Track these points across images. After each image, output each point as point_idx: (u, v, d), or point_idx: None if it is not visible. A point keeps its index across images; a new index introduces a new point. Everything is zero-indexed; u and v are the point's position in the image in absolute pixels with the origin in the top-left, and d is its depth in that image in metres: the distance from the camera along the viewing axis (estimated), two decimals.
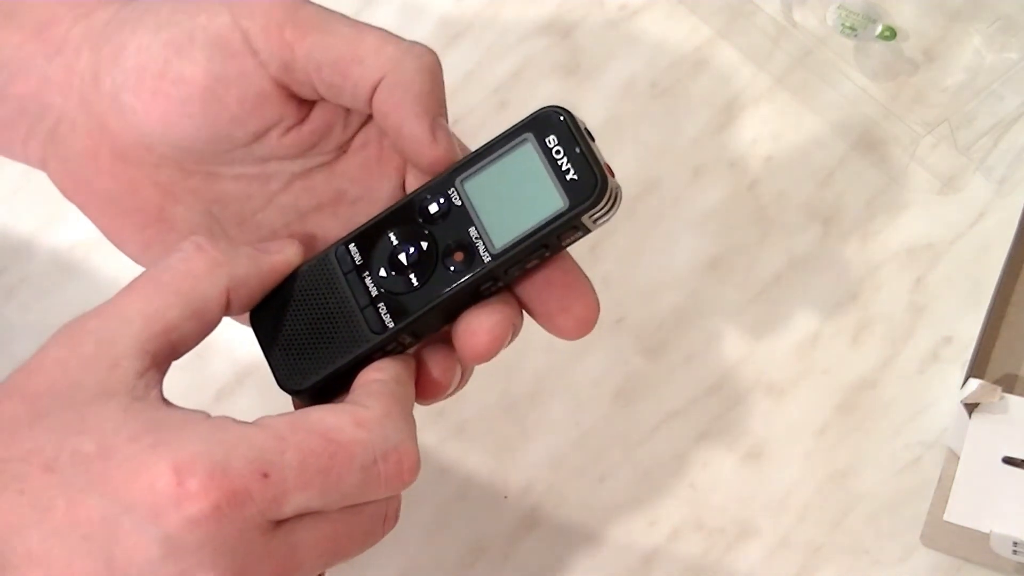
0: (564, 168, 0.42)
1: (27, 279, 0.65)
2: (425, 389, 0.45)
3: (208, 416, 0.40)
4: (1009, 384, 0.60)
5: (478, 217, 0.43)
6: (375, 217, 0.45)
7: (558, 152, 0.42)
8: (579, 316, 0.45)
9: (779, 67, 0.67)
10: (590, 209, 0.42)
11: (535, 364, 0.62)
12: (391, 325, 0.43)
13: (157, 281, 0.42)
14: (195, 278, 0.42)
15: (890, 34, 0.65)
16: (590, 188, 0.42)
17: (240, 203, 0.47)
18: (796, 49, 0.65)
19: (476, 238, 0.43)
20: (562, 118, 0.43)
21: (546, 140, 0.43)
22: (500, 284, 0.44)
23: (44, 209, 0.66)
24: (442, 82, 0.45)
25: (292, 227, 0.47)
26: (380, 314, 0.44)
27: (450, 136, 0.44)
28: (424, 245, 0.43)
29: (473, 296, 0.44)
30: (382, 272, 0.44)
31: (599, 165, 0.42)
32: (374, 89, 0.44)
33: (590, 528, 0.60)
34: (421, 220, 0.44)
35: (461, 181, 0.44)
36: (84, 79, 0.45)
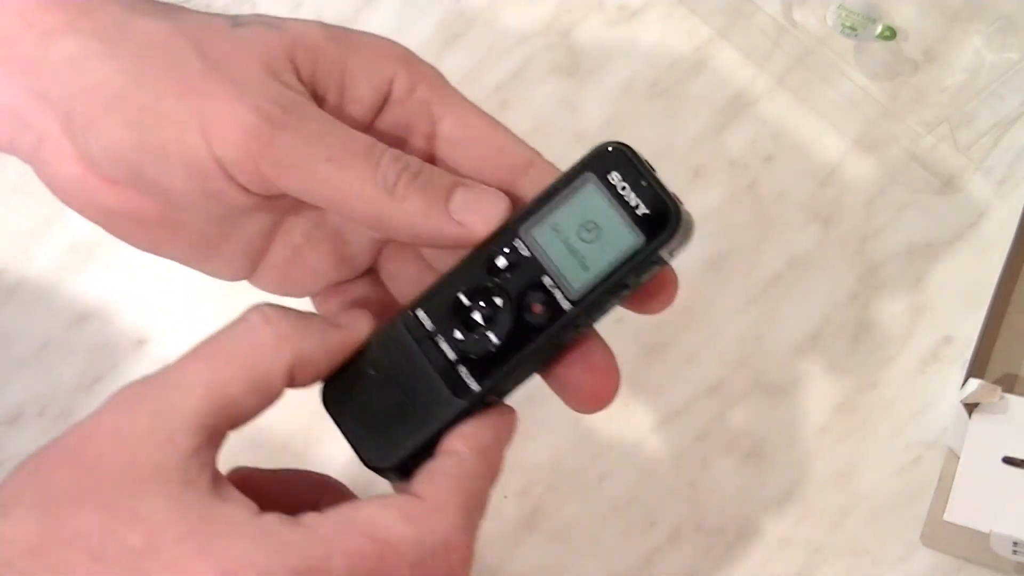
0: (633, 204, 0.41)
1: (27, 279, 0.65)
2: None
3: (257, 513, 0.39)
4: (1009, 384, 0.60)
5: (551, 265, 0.42)
6: (440, 278, 0.43)
7: (623, 188, 0.41)
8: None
9: (779, 67, 0.67)
10: (668, 241, 0.41)
11: None
12: (476, 388, 0.42)
13: (220, 351, 0.41)
14: (260, 351, 0.41)
15: (890, 34, 0.65)
16: (665, 221, 0.41)
17: None
18: (796, 49, 0.65)
19: (552, 287, 0.42)
20: (623, 153, 0.42)
21: (608, 177, 0.42)
22: (583, 329, 0.43)
23: (44, 209, 0.66)
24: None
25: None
26: (462, 377, 0.42)
27: (469, 214, 0.43)
28: (498, 301, 0.42)
29: (558, 344, 0.43)
30: (457, 334, 0.42)
31: (670, 196, 0.41)
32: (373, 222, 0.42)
33: (590, 528, 0.61)
34: (490, 275, 0.42)
35: (526, 230, 0.42)
36: (59, 113, 0.42)
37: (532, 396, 0.62)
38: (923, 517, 0.58)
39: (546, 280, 0.42)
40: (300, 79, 0.43)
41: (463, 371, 0.42)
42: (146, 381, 0.41)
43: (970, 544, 0.57)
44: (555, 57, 0.68)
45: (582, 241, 0.42)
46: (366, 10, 0.69)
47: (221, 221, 0.45)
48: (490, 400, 0.43)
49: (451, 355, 0.42)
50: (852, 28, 0.65)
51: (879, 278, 0.63)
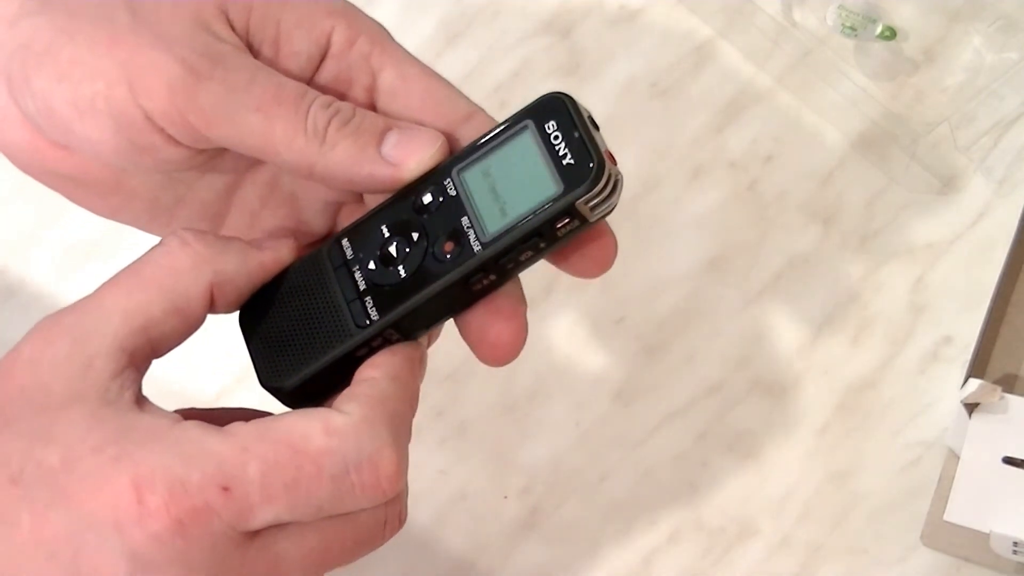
0: (561, 153, 0.40)
1: (27, 279, 0.65)
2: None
3: (177, 421, 0.39)
4: (1009, 384, 0.60)
5: (472, 206, 0.41)
6: (370, 211, 0.43)
7: (556, 137, 0.40)
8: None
9: (779, 67, 0.66)
10: (585, 194, 0.40)
11: (535, 364, 0.62)
12: (375, 318, 0.41)
13: (138, 276, 0.41)
14: (177, 273, 0.41)
15: (890, 34, 0.65)
16: (585, 172, 0.40)
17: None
18: (796, 49, 0.65)
19: (468, 227, 0.41)
20: (563, 103, 0.41)
21: (545, 126, 0.41)
22: (494, 278, 0.42)
23: (44, 209, 0.65)
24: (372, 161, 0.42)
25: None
26: (366, 307, 0.42)
27: (401, 153, 0.42)
28: (415, 236, 0.42)
29: (465, 290, 0.42)
30: (371, 265, 0.42)
31: (597, 149, 0.40)
32: (306, 171, 0.42)
33: (590, 528, 0.60)
34: (415, 212, 0.42)
35: (458, 171, 0.42)
36: (3, 77, 0.42)
37: (532, 396, 0.63)
38: (923, 517, 0.58)
39: (464, 221, 0.41)
40: (234, 31, 0.42)
41: (368, 302, 0.42)
42: (63, 311, 0.41)
43: (970, 544, 0.57)
44: (555, 57, 0.68)
45: (507, 186, 0.41)
46: (366, 10, 0.69)
47: (174, 184, 0.45)
48: (392, 337, 0.42)
49: (361, 285, 0.42)
50: (852, 28, 0.65)
51: (879, 278, 0.63)
